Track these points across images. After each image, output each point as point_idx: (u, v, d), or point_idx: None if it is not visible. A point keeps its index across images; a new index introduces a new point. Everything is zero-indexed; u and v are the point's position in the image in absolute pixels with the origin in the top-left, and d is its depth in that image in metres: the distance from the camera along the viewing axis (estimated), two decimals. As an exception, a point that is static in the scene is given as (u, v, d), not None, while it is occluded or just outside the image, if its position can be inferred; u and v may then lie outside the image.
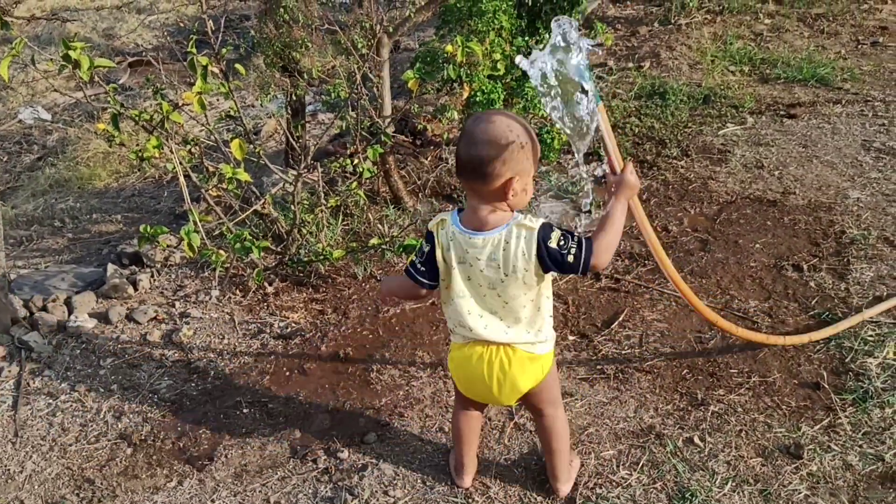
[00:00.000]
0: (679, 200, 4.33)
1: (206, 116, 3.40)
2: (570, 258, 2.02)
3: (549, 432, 2.40)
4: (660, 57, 6.48)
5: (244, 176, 3.31)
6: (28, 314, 3.54)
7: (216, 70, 3.32)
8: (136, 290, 3.67)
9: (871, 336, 3.13)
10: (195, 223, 3.13)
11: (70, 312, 3.51)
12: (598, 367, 3.10)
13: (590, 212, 4.27)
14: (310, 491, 2.56)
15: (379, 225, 4.06)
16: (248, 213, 3.69)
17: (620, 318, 3.38)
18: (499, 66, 4.07)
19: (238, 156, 3.38)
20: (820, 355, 3.08)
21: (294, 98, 4.59)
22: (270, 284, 3.70)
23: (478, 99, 4.17)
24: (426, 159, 4.93)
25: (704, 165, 4.69)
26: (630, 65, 6.42)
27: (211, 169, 3.48)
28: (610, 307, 3.48)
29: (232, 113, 3.58)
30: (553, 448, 2.42)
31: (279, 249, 3.78)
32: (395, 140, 4.91)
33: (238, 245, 3.17)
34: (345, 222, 4.15)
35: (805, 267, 3.63)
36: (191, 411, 2.96)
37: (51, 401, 3.06)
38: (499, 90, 4.19)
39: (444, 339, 3.30)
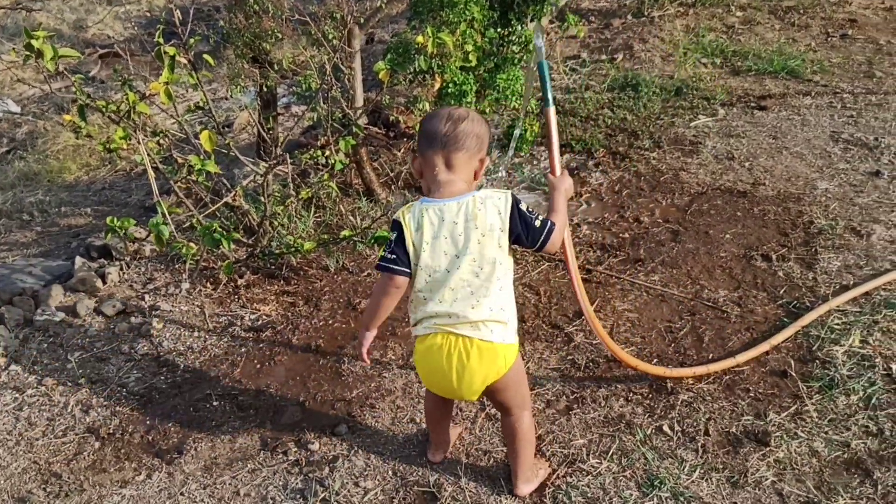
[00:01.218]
0: (651, 191, 4.36)
1: (174, 107, 3.37)
2: (538, 223, 2.20)
3: (514, 432, 2.38)
4: (633, 49, 6.51)
5: (213, 167, 3.29)
6: (-6, 308, 3.49)
7: (184, 60, 3.29)
8: (104, 283, 3.63)
9: (837, 324, 3.17)
10: (164, 215, 3.11)
11: (37, 306, 3.47)
12: (570, 357, 3.11)
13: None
14: (280, 483, 2.55)
15: (351, 217, 4.05)
16: (218, 205, 3.66)
17: (592, 309, 3.39)
18: (470, 57, 4.07)
19: (208, 147, 3.35)
20: (788, 344, 3.11)
21: (265, 90, 4.55)
22: (241, 277, 3.68)
23: (450, 90, 4.16)
24: (399, 151, 4.92)
25: (676, 157, 4.72)
26: (603, 57, 6.44)
27: (180, 161, 3.44)
28: (581, 298, 3.49)
29: (201, 104, 3.54)
30: (516, 449, 2.41)
31: (250, 242, 3.76)
32: (367, 132, 4.90)
33: (208, 237, 3.15)
34: (317, 214, 4.13)
35: (774, 257, 3.67)
36: (160, 405, 2.94)
37: (17, 395, 3.02)
38: (471, 82, 4.19)
39: (416, 330, 3.30)
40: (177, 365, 3.14)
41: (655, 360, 3.08)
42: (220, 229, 3.16)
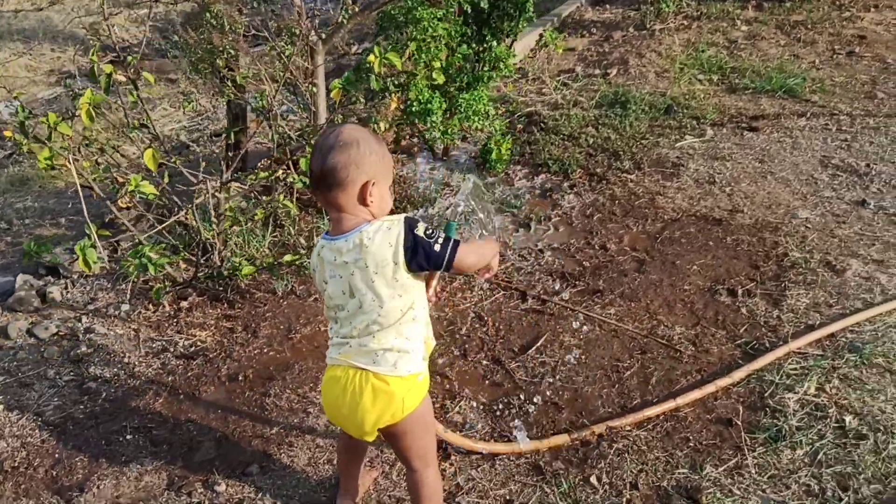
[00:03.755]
0: (623, 216, 4.19)
1: (121, 125, 3.29)
2: (437, 246, 2.00)
3: (416, 491, 2.24)
4: (628, 64, 6.32)
5: (149, 189, 3.20)
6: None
7: (122, 78, 3.21)
8: (44, 302, 3.55)
9: (794, 369, 2.98)
10: (92, 237, 3.02)
11: (-28, 326, 3.40)
12: (506, 397, 2.96)
13: (529, 226, 4.14)
14: (177, 527, 2.44)
15: (301, 238, 3.92)
16: (166, 224, 3.58)
17: (539, 344, 3.24)
18: (434, 75, 3.94)
19: (151, 166, 3.28)
20: (740, 389, 2.93)
21: (232, 104, 4.46)
22: (185, 299, 3.58)
23: (414, 109, 4.03)
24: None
25: (655, 180, 4.55)
26: (597, 71, 6.26)
27: (121, 180, 3.36)
28: (531, 331, 3.34)
29: (144, 121, 3.46)
30: None
31: (203, 261, 3.67)
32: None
33: (137, 261, 3.06)
34: (274, 234, 4.01)
35: (740, 291, 3.48)
36: (73, 436, 2.83)
37: (-66, 420, 2.95)
38: (437, 100, 4.06)
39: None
40: (99, 393, 3.04)
41: (599, 402, 2.92)
42: (154, 252, 3.06)
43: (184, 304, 3.54)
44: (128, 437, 2.81)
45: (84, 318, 3.46)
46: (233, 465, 2.67)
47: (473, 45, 4.38)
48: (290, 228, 4.01)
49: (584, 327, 3.33)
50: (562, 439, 2.74)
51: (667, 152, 4.86)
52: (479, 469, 2.63)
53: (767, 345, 3.14)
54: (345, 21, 3.94)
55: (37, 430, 2.86)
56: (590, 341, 3.25)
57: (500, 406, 2.92)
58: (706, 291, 3.52)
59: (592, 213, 4.25)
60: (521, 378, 3.05)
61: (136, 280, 3.48)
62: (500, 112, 5.48)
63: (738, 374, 2.97)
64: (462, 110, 4.06)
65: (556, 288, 3.62)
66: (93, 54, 3.05)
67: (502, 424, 2.83)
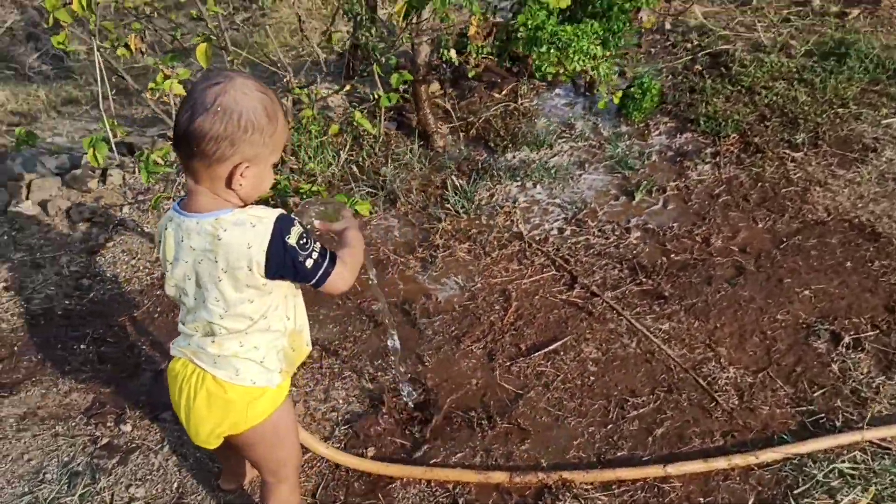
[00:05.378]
0: (755, 206, 3.34)
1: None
2: (309, 262, 1.64)
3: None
4: (880, 3, 5.01)
5: (177, 88, 3.01)
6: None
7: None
8: (104, 183, 3.55)
9: (852, 468, 2.20)
10: (110, 130, 2.92)
11: (29, 195, 3.46)
12: (471, 410, 2.48)
13: (633, 195, 3.47)
14: (65, 459, 2.34)
15: (374, 163, 3.58)
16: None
17: (553, 347, 2.69)
18: (546, -2, 3.31)
19: (203, 63, 3.10)
20: (765, 473, 2.23)
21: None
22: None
23: (520, 35, 3.43)
24: (500, 93, 4.27)
25: (826, 164, 3.57)
26: (834, 9, 5.04)
27: (166, 72, 3.19)
28: (555, 328, 2.79)
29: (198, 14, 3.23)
30: None
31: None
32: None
33: (142, 167, 2.90)
34: (351, 152, 3.70)
35: (846, 339, 2.63)
36: (39, 332, 2.82)
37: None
38: (550, 27, 3.41)
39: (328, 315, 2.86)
40: (89, 292, 3.00)
41: (577, 441, 2.36)
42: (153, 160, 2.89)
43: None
44: (81, 346, 2.75)
45: (125, 209, 3.43)
46: (155, 405, 2.51)
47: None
48: (368, 150, 3.68)
49: (620, 339, 2.72)
50: (500, 477, 2.26)
51: (864, 129, 3.79)
52: (386, 488, 2.24)
53: (839, 423, 2.35)
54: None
55: (14, 318, 2.90)
56: (615, 359, 2.64)
57: (457, 415, 2.47)
58: (801, 329, 2.71)
59: (720, 193, 3.44)
60: (503, 385, 2.56)
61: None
62: (680, 48, 4.63)
63: (770, 455, 2.26)
64: (559, 46, 3.38)
65: (617, 281, 2.99)
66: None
67: (464, 448, 2.39)
